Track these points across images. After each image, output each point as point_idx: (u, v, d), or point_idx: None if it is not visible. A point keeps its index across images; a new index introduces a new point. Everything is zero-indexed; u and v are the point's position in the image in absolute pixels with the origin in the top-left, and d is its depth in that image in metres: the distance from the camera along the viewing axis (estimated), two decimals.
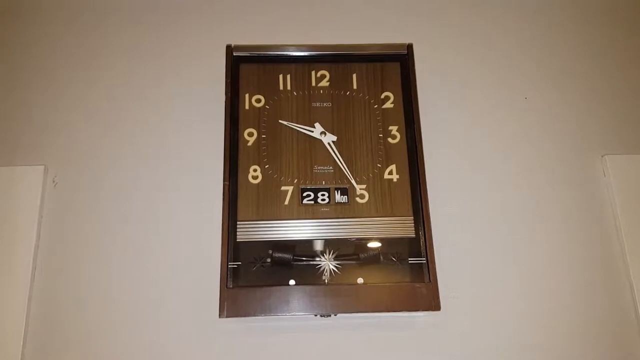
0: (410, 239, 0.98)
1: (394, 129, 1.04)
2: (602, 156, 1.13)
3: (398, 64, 1.09)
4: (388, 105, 1.06)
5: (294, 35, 1.18)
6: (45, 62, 1.16)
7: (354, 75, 1.08)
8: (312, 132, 1.04)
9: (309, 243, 0.97)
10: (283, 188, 1.00)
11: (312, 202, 0.99)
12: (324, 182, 1.01)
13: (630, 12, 1.27)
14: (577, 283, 1.04)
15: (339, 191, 1.00)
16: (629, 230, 1.06)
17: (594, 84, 1.20)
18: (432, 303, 0.92)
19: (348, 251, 0.97)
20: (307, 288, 0.92)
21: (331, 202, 0.99)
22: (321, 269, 0.95)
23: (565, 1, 1.26)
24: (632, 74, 1.21)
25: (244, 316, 0.90)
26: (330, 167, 1.02)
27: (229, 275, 0.93)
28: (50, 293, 1.00)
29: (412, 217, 0.99)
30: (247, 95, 1.05)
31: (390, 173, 1.02)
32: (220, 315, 0.89)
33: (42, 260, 1.01)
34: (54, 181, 1.07)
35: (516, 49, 1.21)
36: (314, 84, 1.07)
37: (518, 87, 1.18)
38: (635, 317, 1.02)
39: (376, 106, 1.06)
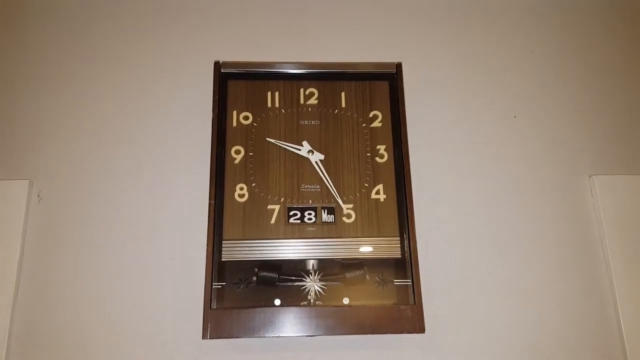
0: (397, 259, 0.97)
1: (381, 148, 1.04)
2: (590, 176, 1.13)
3: (387, 82, 1.08)
4: (376, 124, 1.06)
5: (282, 52, 1.18)
6: (30, 75, 1.15)
7: (343, 94, 1.07)
8: (300, 150, 1.03)
9: (294, 263, 0.96)
10: (270, 207, 0.99)
11: (299, 221, 0.99)
12: (310, 201, 1.00)
13: (621, 32, 1.27)
14: (564, 303, 1.04)
15: (326, 210, 1.00)
16: (615, 250, 1.06)
17: (583, 104, 1.20)
18: (416, 325, 0.91)
19: (334, 271, 0.96)
20: (292, 309, 0.92)
21: (318, 222, 0.99)
22: (306, 290, 0.95)
23: (556, 20, 1.27)
24: (621, 94, 1.21)
25: (228, 337, 0.89)
26: (318, 186, 1.01)
27: (213, 296, 0.92)
28: (33, 310, 0.98)
29: (398, 238, 0.98)
30: (234, 112, 1.05)
31: (378, 193, 1.01)
32: (203, 337, 0.88)
33: (25, 276, 1.00)
34: (38, 196, 1.06)
35: (505, 69, 1.21)
36: (302, 101, 1.07)
37: (507, 106, 1.18)
38: (619, 336, 1.02)
39: (364, 125, 1.05)
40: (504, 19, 1.26)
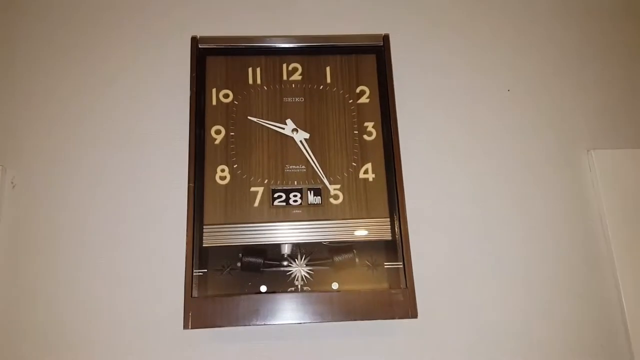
0: (387, 242, 0.93)
1: (369, 125, 0.99)
2: (588, 151, 1.10)
3: (374, 56, 1.03)
4: (364, 100, 1.01)
5: (264, 26, 1.12)
6: (2, 60, 1.09)
7: (328, 68, 1.02)
8: (284, 129, 0.98)
9: (280, 247, 0.92)
10: (253, 189, 0.95)
11: (284, 203, 0.94)
12: (296, 183, 0.96)
13: (618, 5, 1.22)
14: (562, 282, 1.01)
15: (312, 192, 0.95)
16: (615, 226, 1.04)
17: (580, 77, 1.16)
18: (408, 310, 0.87)
19: (322, 255, 0.92)
20: (279, 296, 0.88)
21: (304, 204, 0.94)
22: (293, 275, 0.91)
23: None
24: (619, 67, 1.17)
25: (211, 327, 0.86)
26: (303, 167, 0.96)
27: (194, 284, 0.88)
28: (7, 299, 0.95)
29: (388, 219, 0.94)
30: (214, 90, 1.00)
31: (366, 172, 0.97)
32: (184, 327, 0.85)
33: None
34: (12, 182, 1.01)
35: (499, 40, 1.16)
36: (285, 77, 1.01)
37: (501, 79, 1.13)
38: (621, 316, 1.00)
39: (351, 101, 1.01)
40: None
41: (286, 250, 0.92)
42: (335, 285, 0.91)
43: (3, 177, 1.01)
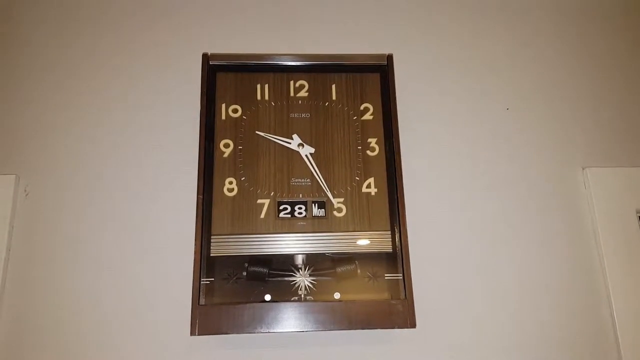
0: (388, 254, 0.96)
1: (372, 141, 1.03)
2: (583, 169, 1.12)
3: (378, 74, 1.06)
4: (367, 117, 1.04)
5: (272, 44, 1.16)
6: (16, 68, 1.13)
7: (333, 86, 1.06)
8: (290, 143, 1.02)
9: (285, 257, 0.95)
10: (259, 201, 0.98)
11: (289, 215, 0.98)
12: (301, 195, 0.99)
13: (617, 23, 1.26)
14: (556, 297, 1.03)
15: (317, 204, 0.98)
16: (609, 244, 1.06)
17: (576, 96, 1.19)
18: (407, 320, 0.90)
19: (325, 266, 0.95)
20: (282, 305, 0.91)
21: (308, 216, 0.98)
22: (297, 285, 0.94)
23: (550, 11, 1.25)
24: (615, 86, 1.20)
25: (216, 334, 0.88)
26: (308, 180, 1.00)
27: (201, 292, 0.91)
28: (19, 307, 0.97)
29: (389, 232, 0.97)
30: (223, 105, 1.03)
31: (369, 186, 1.00)
32: (191, 333, 0.87)
33: (12, 272, 0.99)
34: (25, 191, 1.04)
35: (498, 60, 1.20)
36: (292, 94, 1.05)
37: (500, 97, 1.17)
38: (613, 331, 1.02)
39: (355, 118, 1.04)
40: (497, 11, 1.24)
41: (299, 260, 0.95)
42: (337, 295, 0.94)
43: (16, 185, 1.03)
